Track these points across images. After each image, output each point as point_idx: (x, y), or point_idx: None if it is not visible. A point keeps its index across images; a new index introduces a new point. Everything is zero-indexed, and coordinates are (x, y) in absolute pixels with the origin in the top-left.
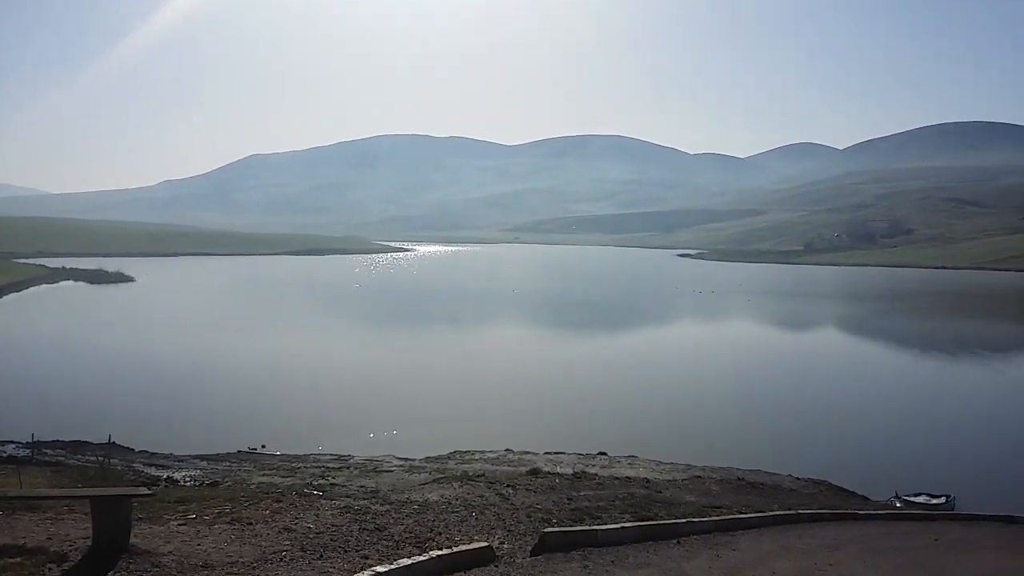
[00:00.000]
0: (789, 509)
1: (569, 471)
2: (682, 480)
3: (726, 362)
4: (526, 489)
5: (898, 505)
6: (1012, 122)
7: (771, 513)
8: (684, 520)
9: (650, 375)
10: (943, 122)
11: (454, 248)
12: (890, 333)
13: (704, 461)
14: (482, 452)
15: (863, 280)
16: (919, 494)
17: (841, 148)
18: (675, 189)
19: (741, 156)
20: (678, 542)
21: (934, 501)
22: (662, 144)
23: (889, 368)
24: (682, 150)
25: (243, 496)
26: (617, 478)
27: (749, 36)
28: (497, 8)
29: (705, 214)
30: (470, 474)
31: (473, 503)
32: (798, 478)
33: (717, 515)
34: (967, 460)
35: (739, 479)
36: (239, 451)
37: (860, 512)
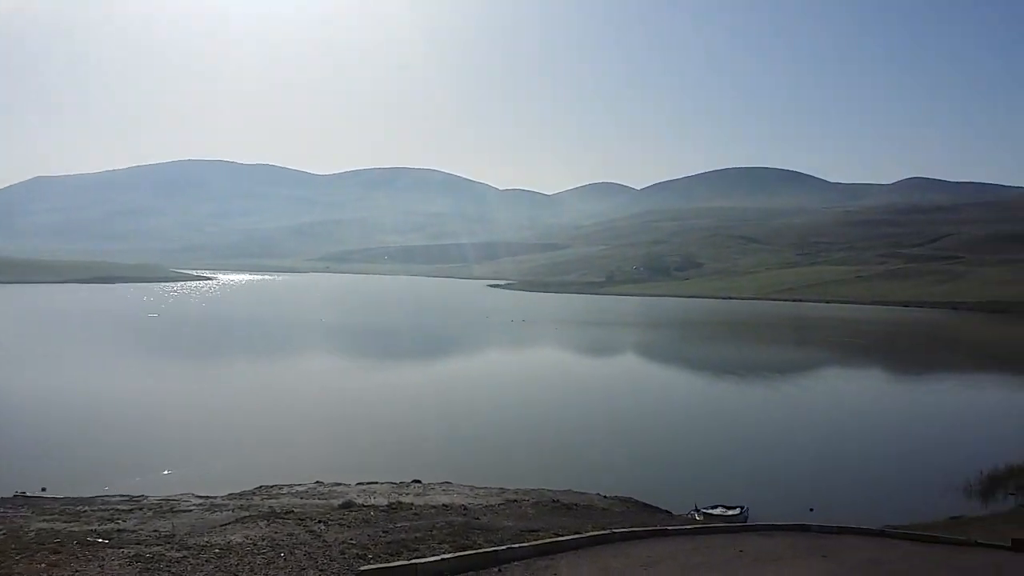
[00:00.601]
0: (603, 529)
1: (384, 502)
2: (498, 505)
3: (535, 386)
4: (339, 524)
5: (698, 518)
6: (790, 168)
7: (587, 534)
8: (504, 547)
9: (461, 401)
10: (729, 167)
11: (260, 277)
12: (684, 356)
13: (517, 484)
14: (290, 486)
15: (659, 309)
16: (716, 506)
17: (639, 188)
18: (485, 223)
19: (548, 193)
20: (499, 570)
21: (730, 512)
22: (473, 179)
23: (683, 388)
24: (492, 185)
25: (15, 548)
26: (433, 506)
27: (556, 78)
28: (311, 38)
29: (514, 247)
30: (277, 511)
31: (281, 543)
32: (606, 496)
33: (535, 539)
34: (756, 472)
35: (553, 501)
36: (15, 495)
37: (669, 528)
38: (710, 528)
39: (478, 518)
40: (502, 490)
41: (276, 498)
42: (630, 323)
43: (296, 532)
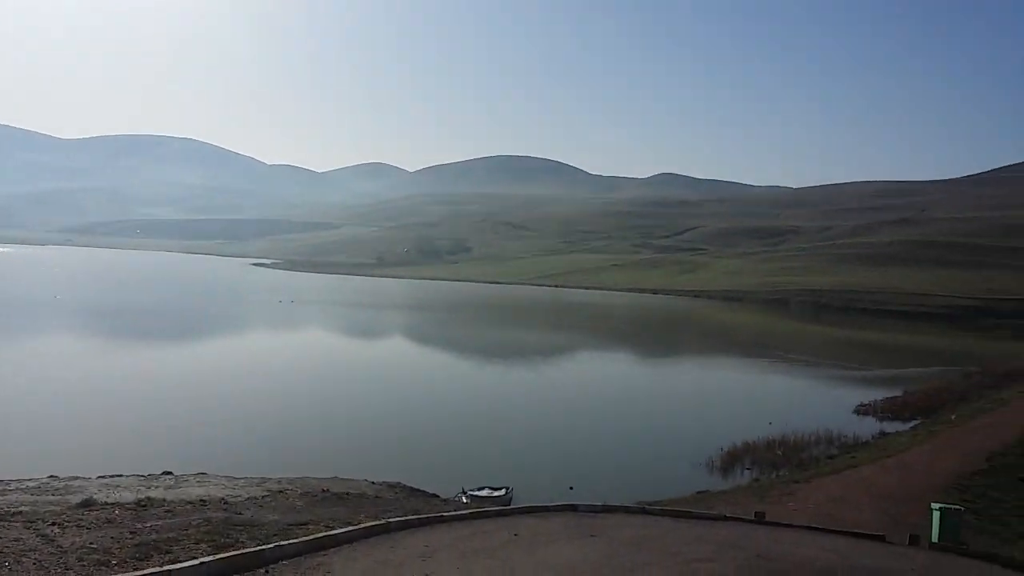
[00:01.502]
0: (377, 519)
1: (130, 498)
2: (262, 497)
3: (298, 369)
4: (77, 525)
5: (465, 500)
6: (554, 159)
7: (361, 525)
8: (271, 545)
9: (215, 385)
10: (498, 155)
11: None
12: (451, 339)
13: (280, 472)
14: (18, 481)
15: (430, 292)
16: (482, 488)
17: (411, 170)
18: (250, 198)
19: (318, 170)
20: (266, 571)
21: (496, 494)
22: (238, 152)
23: (448, 371)
24: (259, 159)
25: None
26: (188, 501)
27: (331, 54)
28: None
29: (281, 224)
30: (2, 511)
31: (5, 550)
32: (374, 482)
33: (305, 534)
34: (518, 453)
35: (323, 490)
36: None
37: (445, 515)
38: (484, 512)
39: (240, 513)
40: (263, 480)
41: (2, 495)
42: (400, 305)
43: (24, 537)
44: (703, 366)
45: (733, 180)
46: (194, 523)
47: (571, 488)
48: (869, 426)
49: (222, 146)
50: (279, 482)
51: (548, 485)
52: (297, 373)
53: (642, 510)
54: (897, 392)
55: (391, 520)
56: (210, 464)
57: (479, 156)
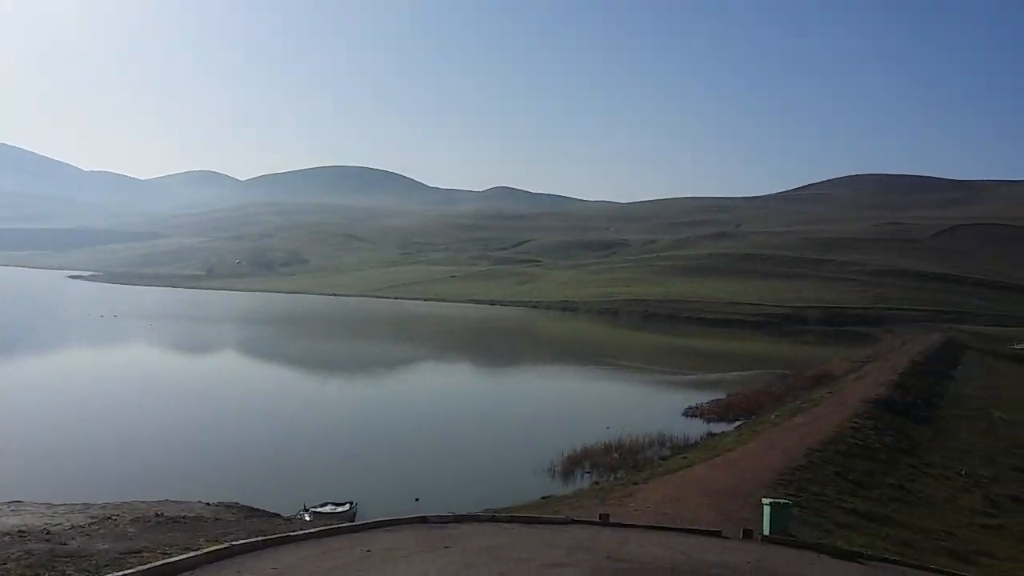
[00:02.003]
0: (219, 542)
1: None
2: (88, 524)
3: (118, 388)
4: None
5: (307, 518)
6: (391, 170)
7: (203, 551)
8: None
9: (27, 406)
10: (334, 164)
11: None
12: (285, 354)
13: (103, 497)
14: None
15: (264, 305)
16: (325, 504)
17: (242, 179)
18: (66, 206)
19: (141, 177)
20: None
21: (340, 509)
22: (52, 157)
23: (283, 386)
24: (76, 165)
25: None
26: (6, 532)
27: (154, 56)
28: None
29: (101, 234)
30: None
31: None
32: (209, 503)
33: (140, 562)
34: (358, 467)
35: (156, 515)
36: None
37: (292, 535)
38: (333, 530)
39: (65, 543)
40: (86, 505)
41: None
42: (232, 319)
43: None
44: (542, 375)
45: (566, 195)
46: (14, 556)
47: (417, 500)
48: (697, 427)
49: (34, 151)
50: (104, 507)
51: (393, 498)
52: (117, 392)
53: (492, 518)
54: (721, 395)
55: (235, 543)
56: (23, 491)
57: (315, 166)
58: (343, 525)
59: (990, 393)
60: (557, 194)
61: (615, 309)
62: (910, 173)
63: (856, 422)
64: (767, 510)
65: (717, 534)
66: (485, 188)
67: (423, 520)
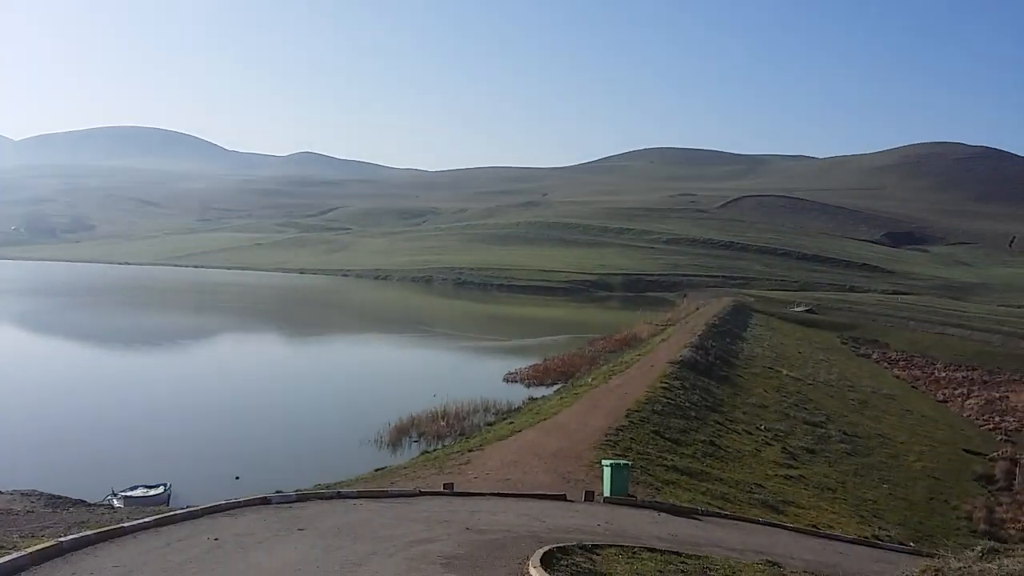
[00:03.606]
0: (40, 539)
1: None
2: None
3: None
4: None
5: (116, 503)
6: (184, 132)
7: (28, 550)
8: None
9: None
10: (119, 125)
11: None
12: (72, 327)
13: None
14: None
15: (47, 275)
16: (135, 487)
17: (16, 139)
18: None
19: None
20: None
21: (152, 493)
22: None
23: (78, 362)
24: None
25: None
26: None
27: None
28: None
29: None
30: None
31: None
32: (1, 492)
33: None
34: (169, 446)
35: None
36: None
37: (126, 526)
38: (168, 517)
39: None
40: None
41: None
42: (10, 290)
43: None
44: (358, 343)
45: (373, 162)
46: None
47: (237, 478)
48: (519, 392)
49: None
50: None
51: (211, 478)
52: None
53: (337, 495)
54: (537, 360)
55: (62, 539)
56: None
57: (98, 126)
58: (180, 511)
59: (776, 352)
60: (364, 161)
61: (428, 277)
62: (697, 148)
63: (665, 382)
64: (607, 471)
65: (562, 498)
66: (288, 153)
67: (265, 501)
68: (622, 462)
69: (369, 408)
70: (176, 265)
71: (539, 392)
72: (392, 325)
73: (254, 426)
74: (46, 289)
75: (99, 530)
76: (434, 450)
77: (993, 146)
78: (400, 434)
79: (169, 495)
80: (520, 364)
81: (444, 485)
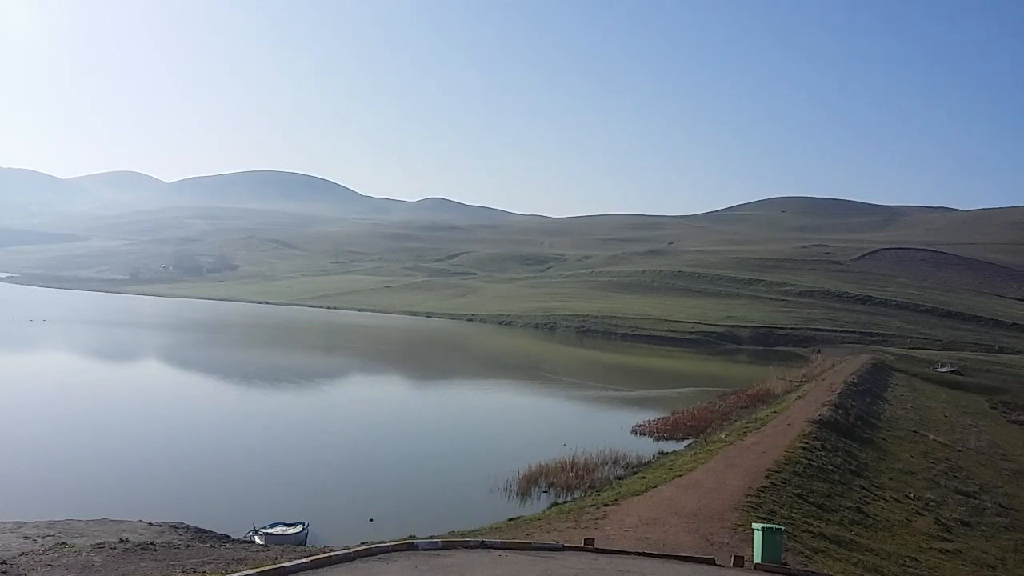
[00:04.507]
0: (200, 574)
1: None
2: (43, 551)
3: (49, 397)
4: None
5: (258, 540)
6: (321, 176)
7: None
8: None
9: None
10: (262, 169)
11: None
12: (218, 362)
13: (34, 515)
14: None
15: (193, 311)
16: (275, 524)
17: (168, 181)
18: None
19: (61, 176)
20: None
21: (292, 530)
22: None
23: (223, 397)
24: None
25: None
26: None
27: (79, 53)
28: None
29: (18, 235)
30: None
31: None
32: (151, 523)
33: None
34: (305, 485)
35: (121, 540)
36: None
37: (286, 566)
38: (324, 559)
39: (26, 574)
40: (18, 524)
41: None
42: (160, 325)
43: None
44: (485, 388)
45: (498, 207)
46: None
47: (371, 520)
48: (648, 446)
49: None
50: (38, 526)
51: (344, 518)
52: (48, 401)
53: (481, 544)
54: (665, 413)
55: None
56: None
57: (242, 170)
58: (334, 554)
59: (920, 415)
60: (489, 206)
61: (551, 324)
62: (831, 197)
63: (805, 443)
64: (758, 536)
65: (711, 561)
66: (418, 198)
67: (412, 547)
68: (775, 527)
69: (496, 454)
70: (311, 305)
71: (669, 446)
72: (516, 371)
73: (384, 468)
74: (194, 325)
75: (261, 569)
76: (565, 502)
77: None
78: (529, 483)
79: (307, 533)
80: (647, 416)
81: (585, 540)
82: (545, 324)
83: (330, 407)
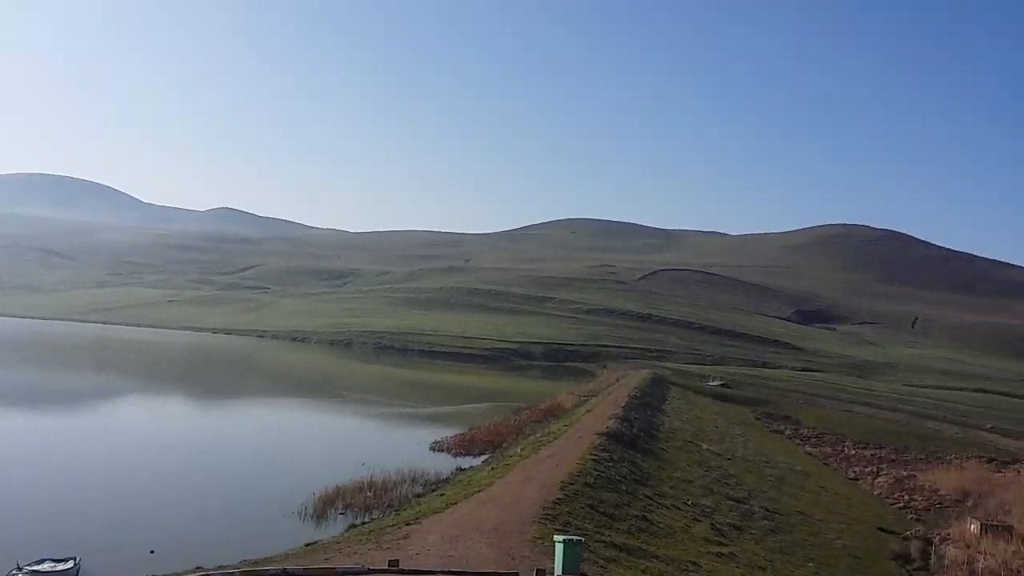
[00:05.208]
0: None
1: None
2: None
3: None
4: None
5: None
6: (97, 181)
7: None
8: None
9: None
10: (28, 172)
11: None
12: None
13: None
14: None
15: None
16: (42, 561)
17: None
18: None
19: None
20: None
21: (61, 567)
22: None
23: None
24: None
25: None
26: None
27: None
28: None
29: None
30: None
31: None
32: None
33: None
34: (76, 517)
35: None
36: None
37: None
38: None
39: None
40: None
41: None
42: None
43: None
44: (275, 408)
45: (293, 220)
46: None
47: (152, 552)
48: (446, 462)
49: None
50: None
51: (122, 551)
52: None
53: (282, 572)
54: (462, 429)
55: None
56: None
57: (5, 172)
58: None
59: (695, 426)
60: (285, 219)
61: (348, 340)
62: (616, 219)
63: (595, 454)
64: (559, 548)
65: None
66: (206, 208)
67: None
68: (575, 538)
69: (289, 477)
70: (84, 320)
71: (467, 462)
72: (310, 390)
73: (167, 495)
74: None
75: None
76: (364, 523)
77: (898, 229)
78: (325, 505)
79: (79, 569)
80: (444, 432)
81: (389, 562)
82: (341, 340)
83: (104, 431)
